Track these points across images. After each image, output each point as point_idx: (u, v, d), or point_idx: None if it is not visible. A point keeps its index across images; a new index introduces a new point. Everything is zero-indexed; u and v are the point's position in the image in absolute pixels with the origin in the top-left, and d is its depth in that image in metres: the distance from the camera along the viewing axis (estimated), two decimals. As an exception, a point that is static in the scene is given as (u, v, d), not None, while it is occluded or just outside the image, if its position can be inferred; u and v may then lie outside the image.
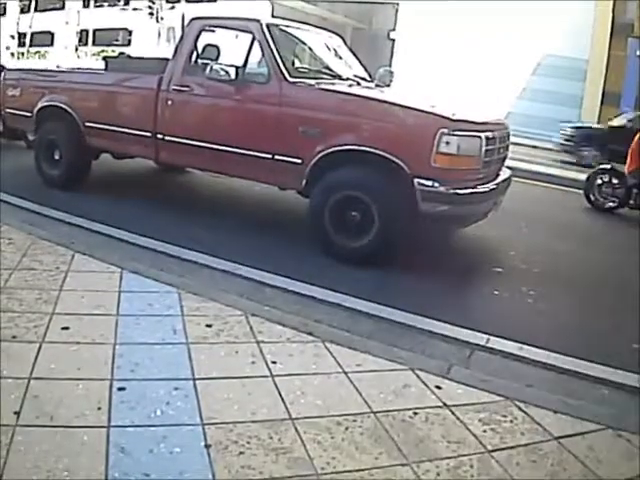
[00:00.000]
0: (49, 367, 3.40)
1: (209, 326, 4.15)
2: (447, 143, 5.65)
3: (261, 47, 6.76)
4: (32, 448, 2.69)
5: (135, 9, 44.23)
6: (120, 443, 2.78)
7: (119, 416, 2.99)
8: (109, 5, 48.00)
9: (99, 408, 3.04)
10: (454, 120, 5.77)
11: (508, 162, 7.17)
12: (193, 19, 7.52)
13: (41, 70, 10.01)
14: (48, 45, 49.57)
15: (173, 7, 40.64)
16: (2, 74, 9.55)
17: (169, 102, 7.22)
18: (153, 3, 42.41)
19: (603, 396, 3.94)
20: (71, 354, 3.58)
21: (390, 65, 26.75)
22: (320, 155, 6.15)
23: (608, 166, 11.20)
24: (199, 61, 7.31)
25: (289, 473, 2.71)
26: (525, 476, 2.86)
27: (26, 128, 9.25)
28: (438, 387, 3.63)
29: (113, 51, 39.15)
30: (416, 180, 5.75)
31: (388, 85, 8.05)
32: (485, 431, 3.20)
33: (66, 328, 3.90)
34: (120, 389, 3.24)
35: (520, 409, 3.46)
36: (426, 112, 5.97)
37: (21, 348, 3.58)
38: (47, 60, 43.65)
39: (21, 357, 3.47)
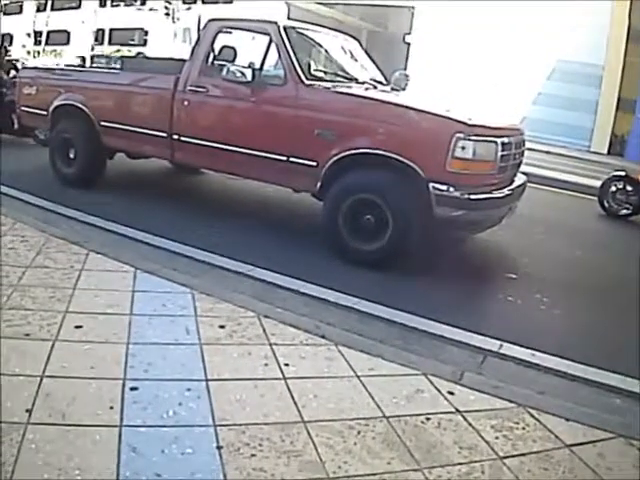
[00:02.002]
0: (62, 365, 3.40)
1: (222, 327, 4.15)
2: (463, 148, 5.64)
3: (278, 49, 6.76)
4: (43, 446, 2.69)
5: (151, 9, 44.38)
6: (132, 443, 2.79)
7: (131, 416, 3.00)
8: (125, 5, 48.18)
9: (111, 407, 3.05)
10: (470, 125, 5.76)
11: (523, 168, 7.14)
12: (210, 20, 7.53)
13: (57, 69, 10.04)
14: (64, 44, 49.76)
15: (189, 8, 40.79)
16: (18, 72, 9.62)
17: (185, 103, 7.24)
18: (169, 3, 42.54)
19: (615, 404, 3.92)
20: (84, 353, 3.58)
21: (405, 68, 26.73)
22: (335, 158, 6.15)
23: (622, 173, 11.15)
24: (215, 62, 7.31)
25: (301, 476, 2.71)
26: (537, 483, 2.85)
27: (41, 126, 9.31)
28: (451, 392, 3.62)
29: (129, 51, 39.32)
30: (431, 184, 5.74)
31: (404, 89, 8.05)
32: (497, 437, 3.19)
33: (79, 327, 3.91)
34: (133, 389, 3.25)
35: (532, 416, 3.45)
36: (442, 116, 5.96)
37: (34, 346, 3.59)
38: (64, 59, 43.83)
39: (34, 355, 3.48)
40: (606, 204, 11.00)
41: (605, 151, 27.46)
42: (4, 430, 2.76)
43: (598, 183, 11.59)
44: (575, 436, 3.30)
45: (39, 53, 48.33)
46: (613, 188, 10.96)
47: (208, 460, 2.74)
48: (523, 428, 3.32)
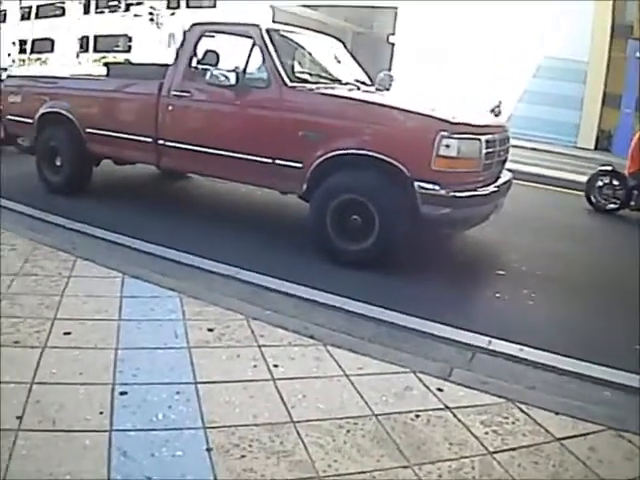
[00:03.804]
0: (51, 372, 3.41)
1: (211, 330, 4.16)
2: (447, 146, 5.66)
3: (261, 52, 6.76)
4: (34, 452, 2.70)
5: (136, 15, 44.31)
6: (122, 447, 2.79)
7: (121, 420, 3.00)
8: (110, 11, 48.08)
9: (101, 412, 3.05)
10: (454, 123, 5.78)
11: (509, 165, 7.17)
12: (193, 25, 7.52)
13: (42, 77, 10.00)
14: (49, 51, 49.65)
15: (173, 13, 40.73)
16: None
17: (170, 108, 7.23)
18: (154, 9, 42.49)
19: (604, 397, 3.94)
20: (73, 359, 3.59)
21: (390, 69, 26.75)
22: (321, 159, 6.16)
23: (609, 168, 11.19)
24: (199, 66, 7.33)
25: (291, 476, 2.72)
26: (527, 477, 2.87)
27: (27, 135, 9.27)
28: (440, 389, 3.64)
29: (114, 57, 39.22)
30: (416, 183, 5.76)
31: (388, 89, 8.06)
32: (487, 433, 3.21)
33: (68, 333, 3.91)
34: (122, 393, 3.25)
35: (522, 411, 3.47)
36: (426, 115, 5.98)
37: (23, 353, 3.60)
38: (48, 66, 43.72)
39: (23, 362, 3.48)
40: (593, 199, 11.04)
41: (592, 146, 27.51)
42: (-6, 437, 2.77)
43: (585, 178, 11.63)
44: (565, 429, 3.32)
45: (24, 61, 48.15)
46: (600, 183, 11.01)
47: (198, 462, 2.75)
48: (513, 423, 3.34)
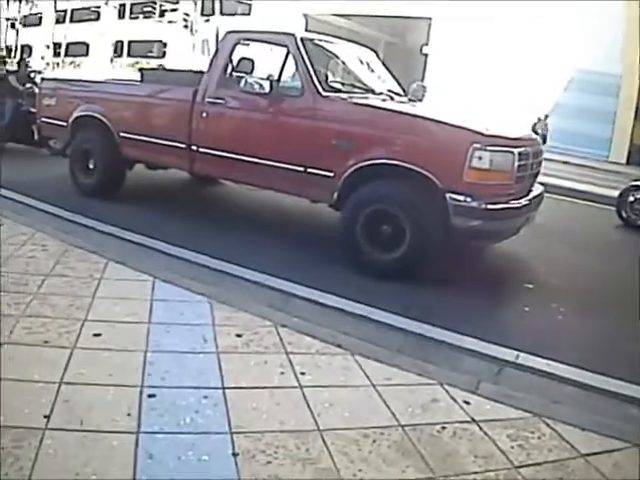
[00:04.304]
0: (80, 372, 3.44)
1: (239, 336, 4.17)
2: (479, 158, 5.64)
3: (295, 61, 6.79)
4: (61, 451, 2.73)
5: (170, 21, 44.68)
6: (149, 449, 2.81)
7: (148, 422, 3.03)
8: (144, 17, 48.51)
9: (129, 414, 3.08)
10: (487, 135, 5.77)
11: (541, 178, 7.13)
12: (228, 32, 7.57)
13: (77, 80, 10.10)
14: (83, 55, 50.16)
15: (208, 20, 41.01)
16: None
17: (204, 114, 7.28)
18: (188, 16, 42.83)
19: (632, 414, 3.89)
20: (102, 360, 3.62)
21: (423, 80, 26.73)
22: (352, 169, 6.16)
23: (640, 183, 11.10)
24: (234, 74, 7.37)
25: (316, 483, 2.73)
26: (552, 493, 2.85)
27: (61, 137, 9.36)
28: (466, 402, 3.62)
29: (148, 63, 39.54)
30: (448, 195, 5.74)
31: (421, 99, 8.06)
32: (512, 447, 3.19)
33: (98, 335, 3.94)
34: (150, 396, 3.27)
35: (548, 426, 3.45)
36: (459, 127, 5.97)
37: (53, 353, 3.63)
38: (81, 70, 44.14)
39: (52, 362, 3.52)
40: (624, 214, 10.94)
41: (624, 161, 27.33)
42: (22, 435, 2.80)
43: (616, 193, 11.53)
44: (591, 446, 3.29)
45: (58, 64, 48.67)
46: (631, 198, 10.90)
47: (224, 467, 2.76)
48: (539, 437, 3.32)
